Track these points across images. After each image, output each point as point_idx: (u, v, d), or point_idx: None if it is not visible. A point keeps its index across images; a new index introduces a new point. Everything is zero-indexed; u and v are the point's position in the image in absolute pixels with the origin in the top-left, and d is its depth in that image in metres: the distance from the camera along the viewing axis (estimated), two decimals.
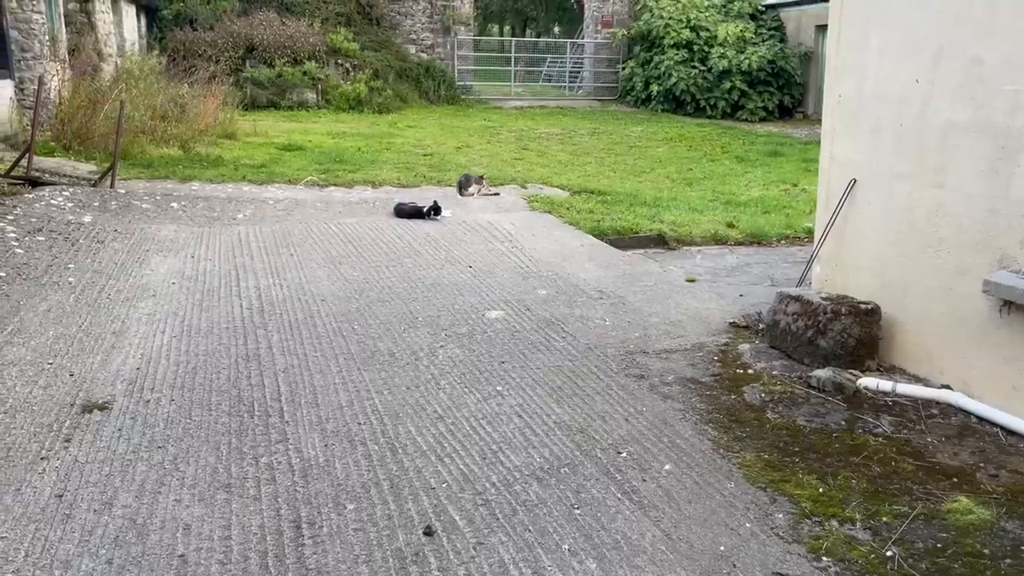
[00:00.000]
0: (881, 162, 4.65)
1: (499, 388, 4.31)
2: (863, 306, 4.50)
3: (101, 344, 4.72)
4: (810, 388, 4.28)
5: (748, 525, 3.10)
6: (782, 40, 22.60)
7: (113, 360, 4.50)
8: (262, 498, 3.20)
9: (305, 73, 20.06)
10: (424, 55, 23.65)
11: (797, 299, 4.70)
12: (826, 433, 3.84)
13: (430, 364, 4.62)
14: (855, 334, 4.45)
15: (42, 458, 3.43)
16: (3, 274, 5.81)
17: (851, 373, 4.35)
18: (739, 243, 8.21)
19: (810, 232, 8.50)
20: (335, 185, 10.36)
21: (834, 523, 3.12)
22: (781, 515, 3.17)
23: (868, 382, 4.27)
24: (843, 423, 3.93)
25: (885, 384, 4.23)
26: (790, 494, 3.31)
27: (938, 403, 4.13)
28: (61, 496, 3.16)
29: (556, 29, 51.26)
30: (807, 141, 16.89)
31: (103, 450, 3.52)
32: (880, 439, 3.78)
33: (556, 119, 20.39)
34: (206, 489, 3.25)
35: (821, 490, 3.34)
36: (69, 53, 13.73)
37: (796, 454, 3.64)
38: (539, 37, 50.00)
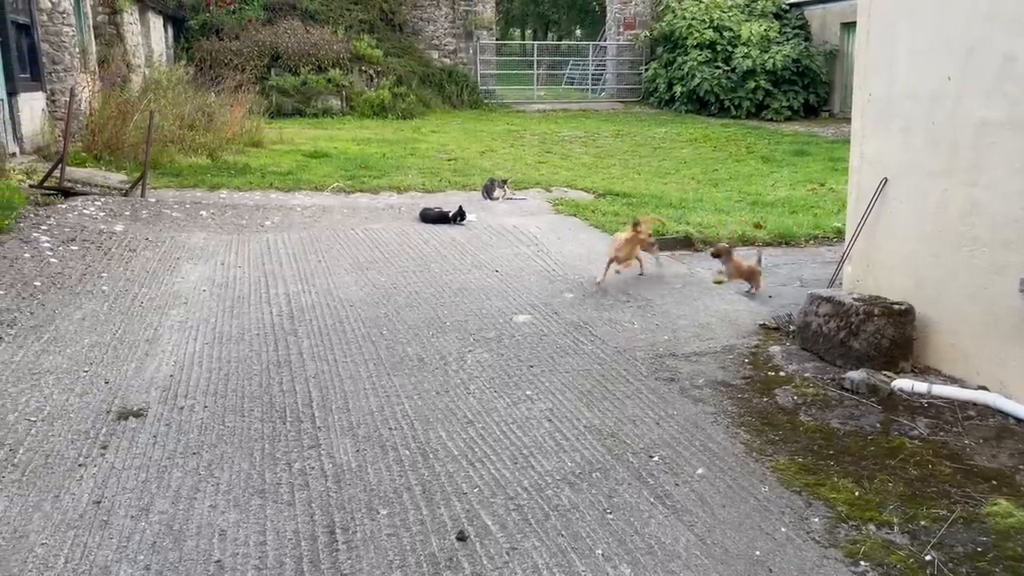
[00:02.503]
0: (913, 161, 4.59)
1: (528, 392, 4.31)
2: (896, 306, 4.44)
3: (135, 352, 4.78)
4: (843, 390, 4.23)
5: (783, 529, 3.07)
6: (807, 38, 22.43)
7: (147, 367, 4.56)
8: (296, 503, 3.22)
9: (329, 80, 20.23)
10: (447, 60, 23.75)
11: (828, 300, 4.66)
12: (861, 436, 3.79)
13: (459, 369, 4.63)
14: (889, 335, 4.39)
15: (80, 465, 3.48)
16: (38, 283, 5.90)
17: (885, 375, 4.30)
18: (767, 244, 8.12)
19: (839, 232, 8.42)
20: (361, 191, 10.43)
21: (871, 527, 3.08)
22: (817, 519, 3.13)
23: (903, 384, 4.21)
24: (878, 425, 3.88)
25: (920, 386, 4.17)
26: (825, 498, 3.27)
27: (975, 404, 4.07)
28: (99, 502, 3.20)
29: (578, 32, 51.21)
30: (834, 140, 16.74)
31: (139, 456, 3.57)
32: (916, 441, 3.73)
33: (579, 122, 20.38)
34: (241, 495, 3.28)
35: (857, 493, 3.30)
36: (99, 65, 13.95)
37: (831, 457, 3.60)
38: (561, 40, 50.00)
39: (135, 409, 4.03)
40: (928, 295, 4.50)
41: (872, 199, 4.86)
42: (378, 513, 3.16)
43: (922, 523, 3.10)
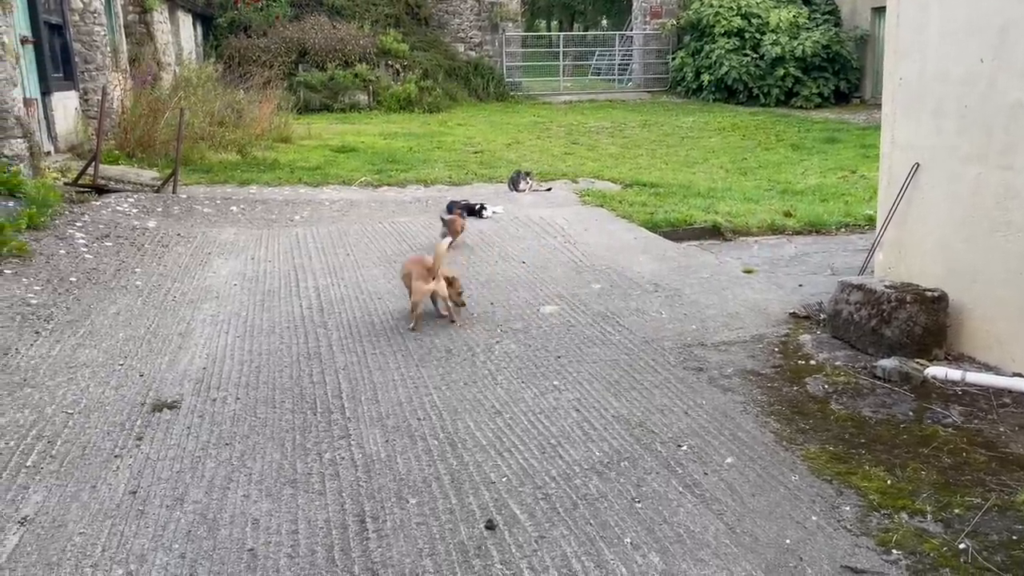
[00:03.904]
0: (945, 145, 4.52)
1: (556, 383, 4.31)
2: (929, 293, 4.38)
3: (168, 345, 4.86)
4: (875, 378, 4.18)
5: (814, 518, 3.04)
6: (837, 24, 22.11)
7: (180, 360, 4.63)
8: (327, 493, 3.26)
9: (356, 75, 20.33)
10: (472, 53, 23.75)
11: (860, 288, 4.60)
12: (893, 424, 3.75)
13: (486, 359, 4.64)
14: (921, 322, 4.33)
15: (116, 456, 3.55)
16: (74, 279, 6.01)
17: (918, 362, 4.24)
18: (797, 232, 8.07)
19: (870, 220, 8.30)
20: (388, 185, 10.48)
21: (904, 515, 3.04)
22: (848, 507, 3.11)
23: (936, 371, 4.15)
24: (911, 413, 3.83)
25: (954, 373, 4.11)
26: (857, 486, 3.24)
27: (1010, 392, 4.00)
28: (135, 492, 3.26)
29: (604, 22, 50.91)
30: (865, 126, 16.50)
31: (173, 448, 3.63)
32: (950, 429, 3.68)
33: (606, 112, 20.30)
34: (273, 484, 3.32)
35: (889, 482, 3.26)
36: (129, 63, 14.14)
37: (862, 446, 3.56)
38: (587, 31, 49.75)
39: (169, 401, 4.09)
40: (962, 281, 4.43)
41: (903, 185, 4.79)
42: (407, 502, 3.18)
43: (956, 511, 3.06)
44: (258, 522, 3.06)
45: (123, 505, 3.17)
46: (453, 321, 5.22)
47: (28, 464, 3.45)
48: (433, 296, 5.20)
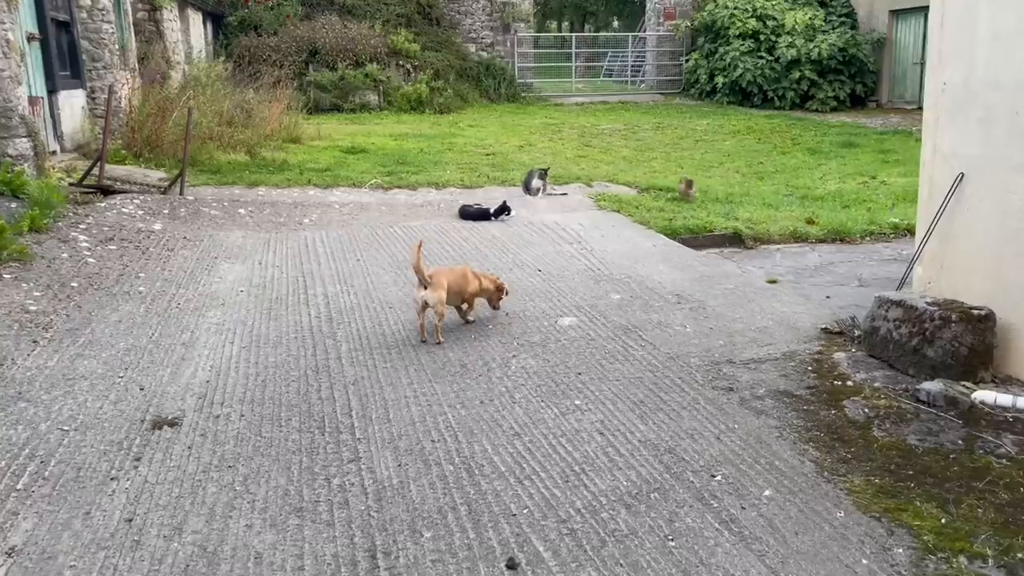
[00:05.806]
0: (994, 154, 4.26)
1: (577, 402, 4.08)
2: (975, 312, 4.12)
3: (171, 356, 4.64)
4: (918, 402, 3.93)
5: (865, 561, 2.80)
6: (853, 27, 21.80)
7: (183, 373, 4.41)
8: (335, 524, 3.03)
9: (367, 75, 20.15)
10: (484, 53, 23.53)
11: (899, 304, 4.35)
12: (942, 454, 3.50)
13: (503, 375, 4.41)
14: (967, 342, 4.08)
15: (112, 478, 3.33)
16: (75, 284, 5.80)
17: (964, 385, 3.98)
18: (820, 240, 7.82)
19: (896, 228, 8.07)
20: (399, 187, 10.26)
21: (963, 559, 2.80)
22: (901, 550, 2.86)
23: (984, 396, 3.89)
24: (960, 442, 3.58)
25: (1004, 398, 3.86)
26: (909, 525, 2.99)
27: None
28: (131, 520, 3.04)
29: (616, 23, 50.64)
30: (883, 131, 16.22)
31: (173, 470, 3.41)
32: (1004, 461, 3.43)
33: (619, 114, 20.05)
34: (277, 513, 3.10)
35: (944, 520, 3.01)
36: (138, 61, 13.95)
37: (910, 478, 3.31)
38: (599, 32, 49.47)
39: (170, 418, 3.88)
40: (1011, 299, 4.17)
41: (947, 196, 4.53)
42: (422, 536, 2.96)
43: (1019, 556, 2.81)
44: (261, 556, 2.84)
45: (118, 535, 2.96)
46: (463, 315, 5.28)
47: (19, 487, 3.24)
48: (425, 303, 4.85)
